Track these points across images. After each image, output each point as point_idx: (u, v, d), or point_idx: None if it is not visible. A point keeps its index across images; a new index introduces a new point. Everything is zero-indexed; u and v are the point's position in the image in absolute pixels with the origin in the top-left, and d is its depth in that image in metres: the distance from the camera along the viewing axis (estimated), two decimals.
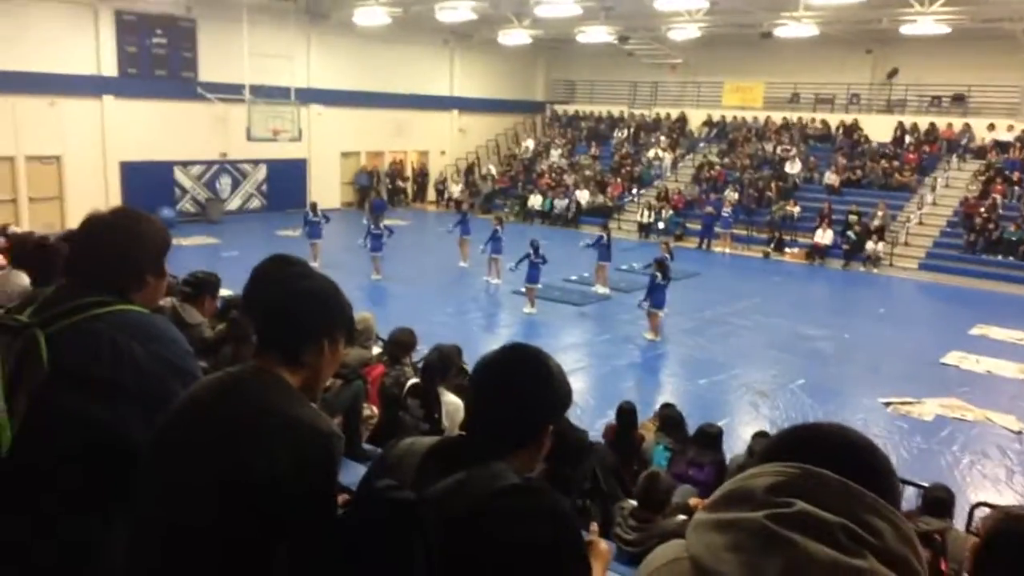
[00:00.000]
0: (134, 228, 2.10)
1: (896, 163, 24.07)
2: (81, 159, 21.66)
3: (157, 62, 22.87)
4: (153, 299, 2.13)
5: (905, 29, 21.50)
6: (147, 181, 22.52)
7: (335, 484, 1.71)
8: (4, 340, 1.82)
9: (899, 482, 1.14)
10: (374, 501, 1.48)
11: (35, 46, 20.01)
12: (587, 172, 28.23)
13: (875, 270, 20.58)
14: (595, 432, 6.86)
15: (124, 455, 1.80)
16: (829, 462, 1.07)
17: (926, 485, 5.70)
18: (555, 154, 30.43)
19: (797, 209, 23.07)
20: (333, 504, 1.71)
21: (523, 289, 15.14)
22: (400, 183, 29.96)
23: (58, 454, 1.81)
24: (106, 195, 21.90)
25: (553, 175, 28.47)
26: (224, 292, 5.60)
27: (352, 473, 3.87)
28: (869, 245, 20.78)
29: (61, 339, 1.86)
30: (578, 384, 10.67)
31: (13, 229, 12.64)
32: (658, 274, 13.12)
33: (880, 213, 21.49)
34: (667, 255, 14.02)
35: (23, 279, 4.54)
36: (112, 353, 1.88)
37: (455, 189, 29.35)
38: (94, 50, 21.63)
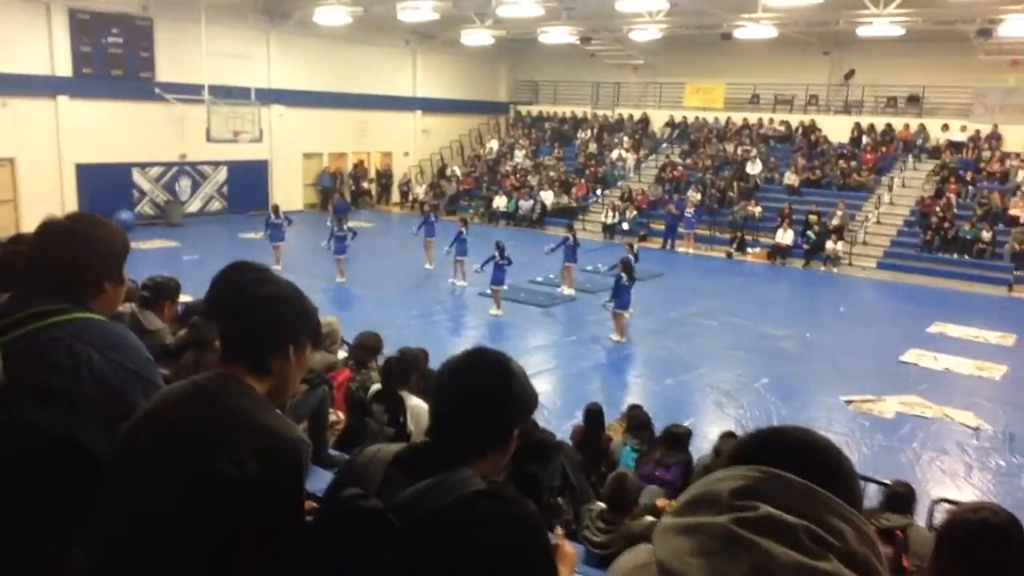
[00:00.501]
0: (91, 234, 2.04)
1: (854, 163, 24.49)
2: (36, 161, 21.17)
3: (113, 62, 22.44)
4: (112, 306, 2.08)
5: (861, 31, 21.89)
6: (104, 183, 22.10)
7: (303, 491, 1.71)
8: None
9: (860, 484, 1.15)
10: (341, 510, 1.47)
11: None
12: (551, 173, 28.31)
13: (835, 269, 20.90)
14: (562, 434, 6.86)
15: (84, 467, 1.75)
16: (792, 465, 1.07)
17: (887, 482, 5.78)
18: (519, 155, 30.47)
19: (758, 209, 23.35)
20: (301, 511, 1.71)
21: (488, 291, 15.13)
22: (364, 184, 29.77)
23: (14, 467, 1.75)
24: (62, 198, 21.46)
25: (518, 176, 28.50)
26: (184, 297, 5.49)
27: (319, 480, 3.82)
28: (829, 245, 21.11)
29: (17, 349, 1.81)
30: (545, 386, 10.68)
31: None
32: (623, 275, 13.18)
33: (839, 213, 21.85)
34: (632, 256, 14.10)
35: None
36: (70, 362, 1.82)
37: (419, 191, 29.24)
38: (47, 49, 21.15)
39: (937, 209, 21.20)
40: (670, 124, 29.58)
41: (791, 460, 1.09)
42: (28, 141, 20.96)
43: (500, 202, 27.12)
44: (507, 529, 1.48)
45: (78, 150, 21.83)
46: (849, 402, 10.85)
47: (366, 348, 6.27)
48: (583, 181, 27.46)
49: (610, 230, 24.39)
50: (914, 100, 25.53)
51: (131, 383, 1.88)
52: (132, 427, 1.71)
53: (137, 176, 23.75)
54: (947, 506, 6.16)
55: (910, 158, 24.22)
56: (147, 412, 1.72)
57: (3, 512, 1.76)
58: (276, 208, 18.17)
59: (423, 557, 1.41)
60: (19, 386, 1.78)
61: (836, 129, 26.08)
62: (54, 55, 21.30)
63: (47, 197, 21.03)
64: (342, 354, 7.02)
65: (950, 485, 8.48)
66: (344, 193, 28.39)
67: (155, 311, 4.62)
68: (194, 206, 25.22)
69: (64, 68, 21.54)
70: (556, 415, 9.17)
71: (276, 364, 1.75)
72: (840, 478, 1.10)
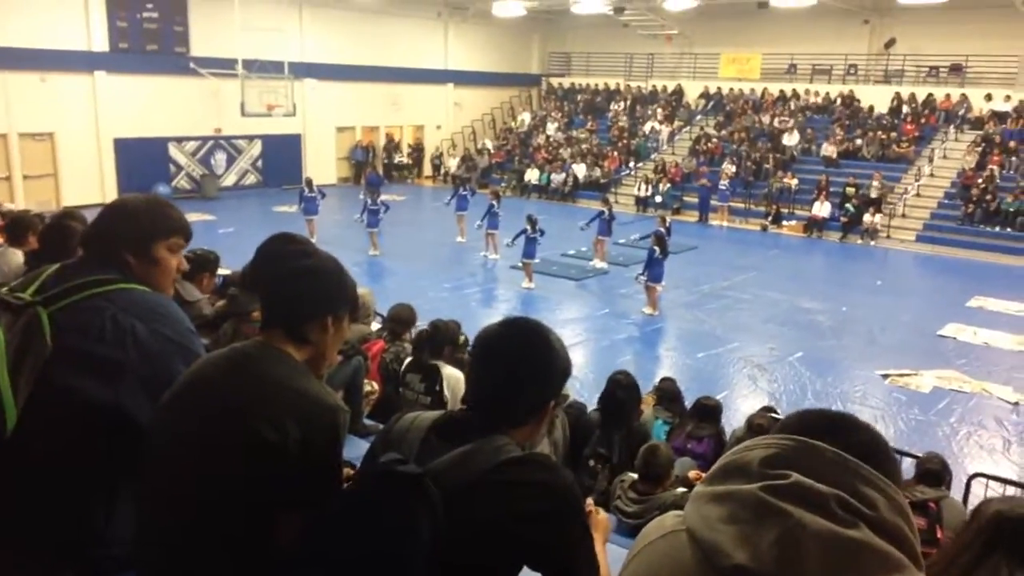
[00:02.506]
0: (154, 211, 2.09)
1: (893, 134, 23.99)
2: (75, 136, 21.51)
3: (148, 37, 22.63)
4: (155, 283, 2.11)
5: None
6: (141, 158, 22.41)
7: (340, 456, 1.74)
8: (7, 318, 1.82)
9: (896, 459, 1.15)
10: (379, 474, 1.49)
11: (24, 21, 19.78)
12: (584, 146, 28.11)
13: (872, 242, 20.58)
14: (593, 406, 6.87)
15: (127, 433, 1.81)
16: (830, 439, 1.08)
17: (921, 456, 5.74)
18: (551, 128, 30.28)
19: (795, 181, 23.01)
20: (339, 476, 1.74)
21: (520, 264, 15.14)
22: (397, 158, 29.81)
23: (61, 432, 1.81)
24: (100, 172, 21.82)
25: (550, 149, 28.35)
26: (222, 270, 5.58)
27: (354, 448, 3.89)
28: (867, 217, 20.77)
29: (64, 318, 1.86)
30: (577, 358, 10.68)
31: (8, 207, 12.58)
32: (656, 248, 13.10)
33: (877, 184, 21.45)
34: (663, 229, 14.00)
35: (18, 256, 4.54)
36: (114, 332, 1.87)
37: (451, 164, 29.21)
38: (84, 25, 21.38)
39: (979, 181, 20.74)
40: (705, 95, 29.15)
41: (824, 432, 1.09)
42: (67, 116, 21.27)
43: (532, 175, 27.01)
44: (544, 495, 1.50)
45: (116, 125, 22.11)
46: (885, 376, 10.73)
47: (400, 320, 6.33)
48: (615, 154, 27.24)
49: (643, 203, 24.22)
50: (956, 69, 24.86)
51: (173, 352, 1.92)
52: (174, 394, 1.75)
53: (173, 150, 24.02)
54: (984, 480, 6.11)
55: (951, 129, 23.65)
56: (188, 379, 1.76)
57: (51, 475, 1.82)
58: (309, 181, 18.27)
59: (460, 522, 1.43)
60: (66, 354, 1.83)
61: (875, 99, 25.51)
62: (91, 31, 21.52)
63: (86, 171, 21.42)
64: (375, 326, 7.10)
65: (987, 460, 8.37)
66: (377, 167, 28.47)
67: (194, 282, 4.70)
68: (229, 180, 25.47)
69: (101, 43, 21.78)
70: (588, 387, 9.19)
71: (314, 334, 1.79)
72: (874, 450, 1.10)
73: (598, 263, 16.63)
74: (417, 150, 30.36)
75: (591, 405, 6.28)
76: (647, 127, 28.35)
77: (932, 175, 22.49)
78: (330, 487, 1.67)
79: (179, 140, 24.03)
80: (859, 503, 1.01)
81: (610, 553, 1.88)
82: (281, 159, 26.17)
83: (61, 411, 1.81)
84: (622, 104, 30.39)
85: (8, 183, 20.52)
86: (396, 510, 1.42)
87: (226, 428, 1.63)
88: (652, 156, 26.91)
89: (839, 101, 26.17)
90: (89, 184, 21.03)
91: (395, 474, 1.46)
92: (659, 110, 28.98)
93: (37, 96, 20.56)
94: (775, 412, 6.11)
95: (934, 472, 5.22)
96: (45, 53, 20.24)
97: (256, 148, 25.98)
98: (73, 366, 1.83)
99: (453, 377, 5.07)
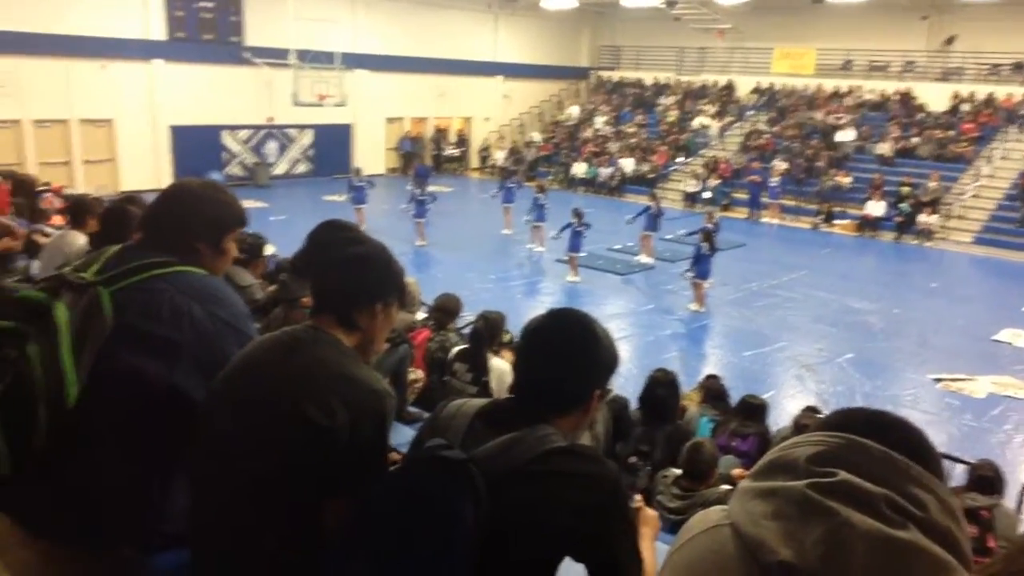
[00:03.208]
0: (220, 200, 2.15)
1: (951, 133, 23.38)
2: (132, 122, 21.99)
3: (204, 26, 23.03)
4: (215, 269, 2.16)
5: None
6: (196, 145, 22.84)
7: (387, 440, 1.77)
8: (70, 297, 1.88)
9: (942, 461, 1.13)
10: (426, 460, 1.51)
11: (86, 10, 20.27)
12: (632, 140, 27.92)
13: (928, 243, 20.10)
14: (637, 402, 6.84)
15: (181, 411, 1.86)
16: (873, 437, 1.07)
17: (973, 462, 5.61)
18: (600, 121, 30.12)
19: (848, 179, 22.58)
20: (385, 459, 1.76)
21: (566, 257, 15.11)
22: (445, 149, 29.93)
23: (119, 408, 1.86)
24: (156, 158, 22.28)
25: (597, 143, 28.21)
26: (271, 253, 5.67)
27: (399, 434, 3.93)
28: (922, 217, 20.29)
29: (124, 297, 1.91)
30: (621, 354, 10.59)
31: (69, 191, 12.93)
32: (704, 244, 12.98)
33: (933, 185, 20.94)
34: (710, 225, 13.86)
35: (80, 239, 4.66)
36: (172, 313, 1.92)
37: (499, 156, 29.25)
38: (142, 14, 21.84)
39: None
40: (757, 90, 28.75)
41: (873, 432, 1.08)
42: (125, 103, 21.75)
43: (579, 169, 26.91)
44: (589, 486, 1.51)
45: (171, 112, 22.54)
46: (938, 380, 10.50)
47: (445, 310, 6.38)
48: (664, 148, 27.01)
49: (691, 199, 23.99)
50: (1019, 68, 24.12)
51: (227, 334, 1.97)
52: (226, 376, 1.80)
53: (227, 138, 24.43)
54: None
55: (1013, 128, 22.97)
56: (240, 361, 1.80)
57: (109, 449, 1.87)
58: (358, 171, 18.44)
59: (504, 509, 1.44)
60: (125, 332, 1.88)
61: (933, 97, 24.91)
62: (149, 19, 21.97)
63: (143, 158, 21.90)
64: (421, 315, 7.15)
65: None
66: (425, 157, 28.63)
67: (247, 267, 4.78)
68: (281, 168, 25.84)
69: (159, 32, 22.22)
70: (632, 383, 9.13)
71: (363, 320, 1.82)
72: (922, 451, 1.09)
73: (644, 258, 16.53)
74: (462, 142, 30.41)
75: (634, 400, 6.26)
76: (697, 122, 28.04)
77: (992, 176, 21.87)
78: (376, 471, 1.69)
79: (232, 128, 24.43)
80: (909, 503, 0.99)
81: None
82: (332, 149, 26.47)
83: (120, 387, 1.86)
84: (672, 99, 30.09)
85: (68, 167, 21.05)
86: (440, 494, 1.43)
87: (276, 411, 1.67)
88: (701, 152, 26.63)
89: (896, 98, 25.57)
90: (145, 170, 21.48)
91: (440, 459, 1.47)
92: (709, 105, 28.63)
93: (97, 84, 21.04)
94: (819, 412, 6.03)
95: (987, 479, 5.11)
96: (105, 41, 20.73)
97: (307, 137, 26.31)
98: (132, 344, 1.88)
99: (499, 369, 5.13)
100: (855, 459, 1.04)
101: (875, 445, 1.04)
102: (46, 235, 6.62)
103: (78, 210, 5.08)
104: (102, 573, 1.95)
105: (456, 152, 29.98)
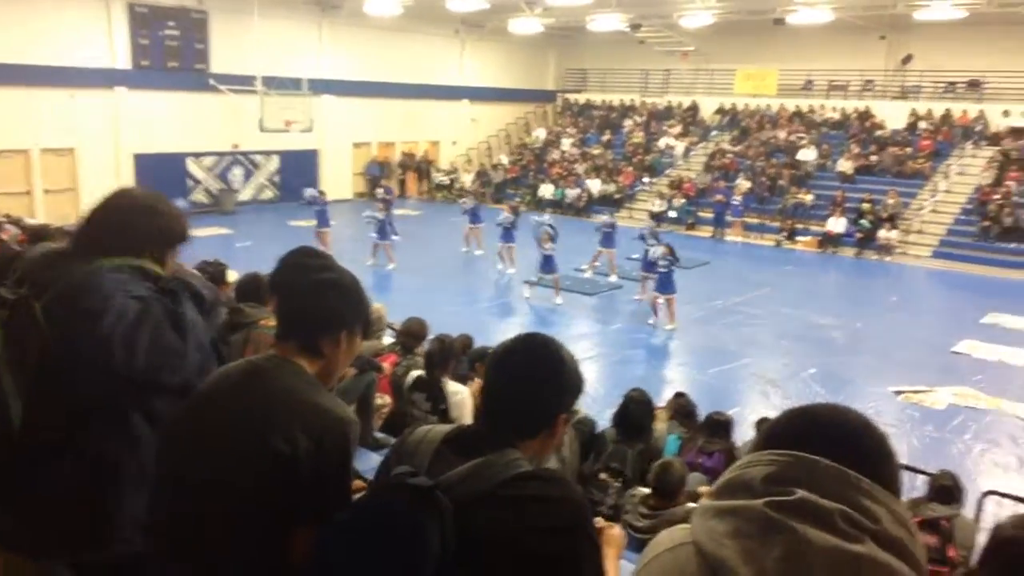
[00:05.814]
0: (163, 213, 2.20)
1: (909, 150, 23.90)
2: (95, 151, 21.72)
3: (169, 54, 22.91)
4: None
5: (919, 14, 21.36)
6: (160, 172, 22.54)
7: (351, 468, 1.76)
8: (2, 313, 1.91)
9: (897, 462, 1.17)
10: (391, 487, 1.51)
11: (49, 39, 20.07)
12: (598, 161, 28.16)
13: (888, 258, 20.47)
14: (604, 421, 6.88)
15: (121, 416, 1.91)
16: (824, 446, 1.08)
17: (934, 473, 5.71)
18: (566, 143, 30.36)
19: (810, 197, 22.96)
20: (349, 487, 1.76)
21: (536, 279, 15.17)
22: (411, 173, 29.87)
23: (62, 418, 1.89)
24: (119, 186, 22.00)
25: (564, 164, 28.41)
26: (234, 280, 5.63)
27: (366, 461, 3.93)
28: (882, 233, 20.67)
29: (55, 307, 1.95)
30: (589, 373, 10.66)
31: (28, 221, 12.75)
32: (669, 260, 13.12)
33: (891, 200, 21.36)
34: (655, 239, 14.20)
35: None
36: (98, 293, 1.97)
37: (466, 180, 29.29)
38: (107, 42, 21.68)
39: (996, 197, 20.62)
40: (720, 111, 29.20)
41: (823, 441, 1.10)
42: (88, 131, 21.49)
43: (546, 190, 27.07)
44: (555, 510, 1.51)
45: (136, 140, 22.33)
46: (899, 393, 10.67)
47: (412, 334, 6.38)
48: (630, 169, 27.27)
49: (657, 218, 24.19)
50: (974, 85, 24.77)
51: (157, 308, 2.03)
52: (191, 405, 1.81)
53: (191, 165, 24.22)
54: (998, 499, 6.07)
55: (968, 145, 23.55)
56: (205, 391, 1.81)
57: (59, 459, 1.91)
58: (317, 195, 18.26)
59: (472, 534, 1.44)
60: (59, 342, 1.92)
61: (892, 115, 25.47)
62: (114, 48, 21.81)
63: (105, 186, 21.17)
64: (388, 339, 7.15)
65: (1002, 478, 8.29)
66: (391, 182, 28.59)
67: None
68: (246, 194, 25.65)
69: (123, 60, 22.06)
70: (599, 402, 9.18)
71: (328, 348, 1.83)
72: (874, 456, 1.11)
73: (612, 278, 16.64)
74: (424, 164, 30.15)
75: (602, 419, 6.30)
76: (662, 143, 28.38)
77: (948, 191, 22.37)
78: (341, 498, 1.70)
79: (197, 155, 24.23)
80: (863, 516, 1.02)
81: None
82: (298, 174, 26.26)
83: (61, 399, 1.88)
84: (637, 120, 30.45)
85: (29, 197, 20.74)
86: (406, 522, 1.43)
87: (239, 440, 1.67)
88: (667, 172, 26.93)
89: (855, 117, 26.12)
90: None
91: (405, 486, 1.47)
92: (674, 126, 29.00)
93: (60, 112, 20.79)
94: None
95: (947, 489, 5.19)
96: (69, 71, 20.52)
97: (273, 163, 26.18)
98: (67, 354, 1.91)
99: (458, 394, 4.98)
100: (808, 476, 1.05)
101: (824, 461, 1.06)
102: None
103: (38, 240, 5.04)
104: None
105: (447, 180, 29.76)
